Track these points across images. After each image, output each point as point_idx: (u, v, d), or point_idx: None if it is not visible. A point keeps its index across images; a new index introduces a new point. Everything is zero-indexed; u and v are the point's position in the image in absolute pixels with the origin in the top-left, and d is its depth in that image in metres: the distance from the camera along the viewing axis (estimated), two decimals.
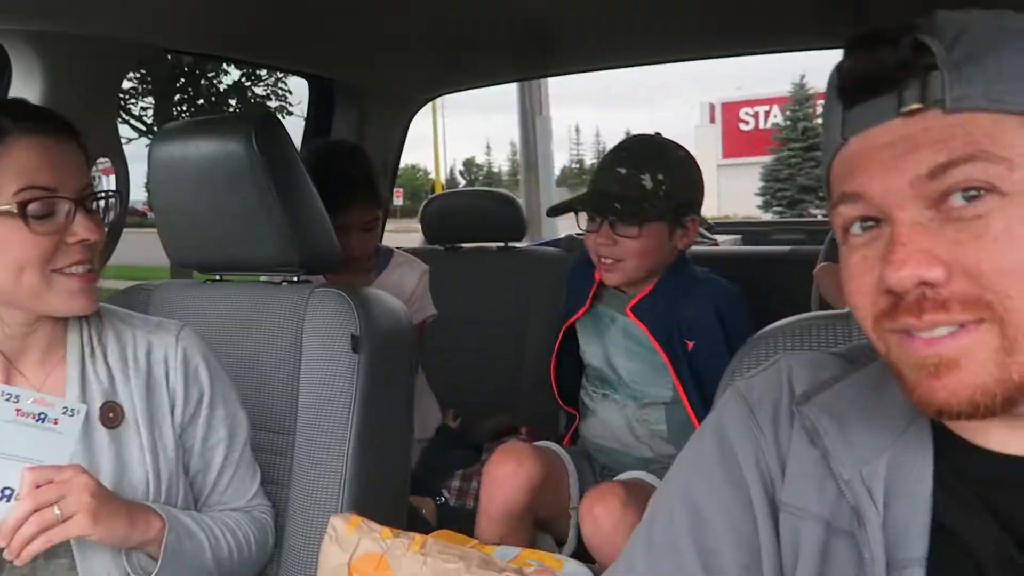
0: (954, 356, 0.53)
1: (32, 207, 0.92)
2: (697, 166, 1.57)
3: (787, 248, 2.14)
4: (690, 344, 1.51)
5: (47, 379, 1.02)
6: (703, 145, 31.40)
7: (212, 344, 1.16)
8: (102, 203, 1.02)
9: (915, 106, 0.54)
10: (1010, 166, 0.52)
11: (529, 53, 2.19)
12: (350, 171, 1.75)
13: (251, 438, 1.20)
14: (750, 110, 30.18)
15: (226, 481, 1.12)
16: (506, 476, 1.48)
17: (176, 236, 1.38)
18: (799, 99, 25.17)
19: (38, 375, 1.02)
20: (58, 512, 0.86)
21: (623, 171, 1.50)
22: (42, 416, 0.86)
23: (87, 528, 0.89)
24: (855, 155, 0.58)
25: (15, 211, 0.91)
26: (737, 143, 30.26)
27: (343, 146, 1.90)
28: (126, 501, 0.97)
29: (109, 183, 1.73)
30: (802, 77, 25.19)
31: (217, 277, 1.44)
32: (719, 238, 4.17)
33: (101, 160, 1.65)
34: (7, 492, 0.85)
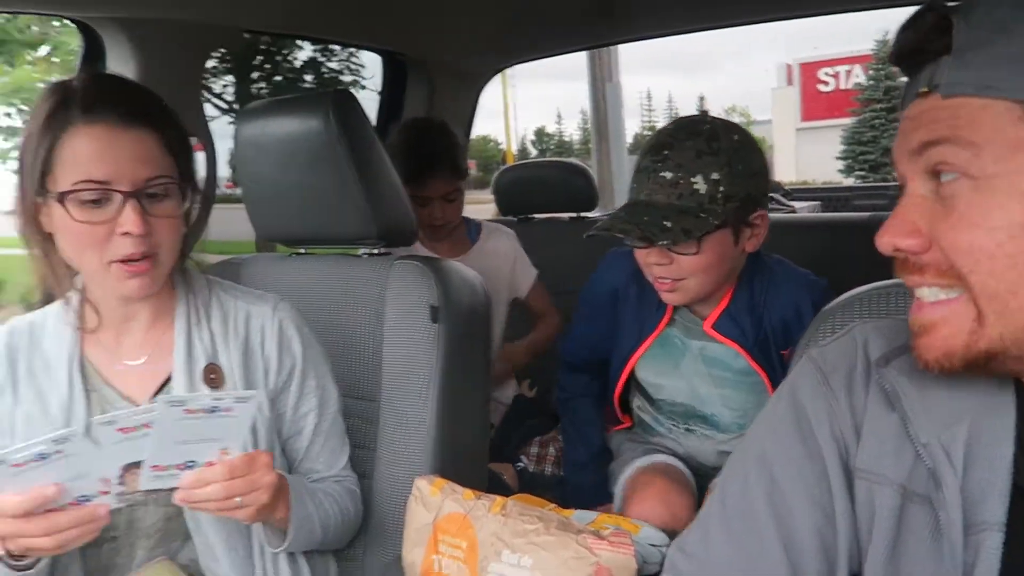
0: (932, 320, 0.60)
1: (79, 197, 0.95)
2: (758, 149, 1.29)
3: (867, 215, 2.06)
4: (785, 353, 1.32)
5: (159, 341, 1.09)
6: (780, 108, 30.31)
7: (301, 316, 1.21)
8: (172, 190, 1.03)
9: (923, 89, 0.60)
10: (977, 151, 0.55)
11: (598, 20, 2.17)
12: (430, 144, 1.84)
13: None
14: (830, 70, 28.89)
15: (316, 449, 1.17)
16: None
17: (262, 211, 1.44)
18: (882, 57, 23.95)
19: (149, 337, 1.10)
20: (239, 500, 0.93)
21: (668, 176, 1.21)
22: (214, 408, 0.90)
23: (251, 519, 0.97)
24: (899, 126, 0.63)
25: (58, 200, 0.95)
26: (816, 105, 29.07)
27: (425, 121, 1.97)
28: (283, 485, 1.02)
29: (202, 162, 1.82)
30: (885, 34, 23.90)
31: (302, 250, 1.49)
32: (796, 204, 4.05)
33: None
34: (189, 464, 0.92)
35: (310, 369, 1.16)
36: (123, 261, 0.98)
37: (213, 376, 1.08)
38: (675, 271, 1.25)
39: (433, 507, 1.03)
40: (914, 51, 0.61)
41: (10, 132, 11.36)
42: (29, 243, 1.03)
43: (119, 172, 0.95)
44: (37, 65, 10.80)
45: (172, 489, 0.92)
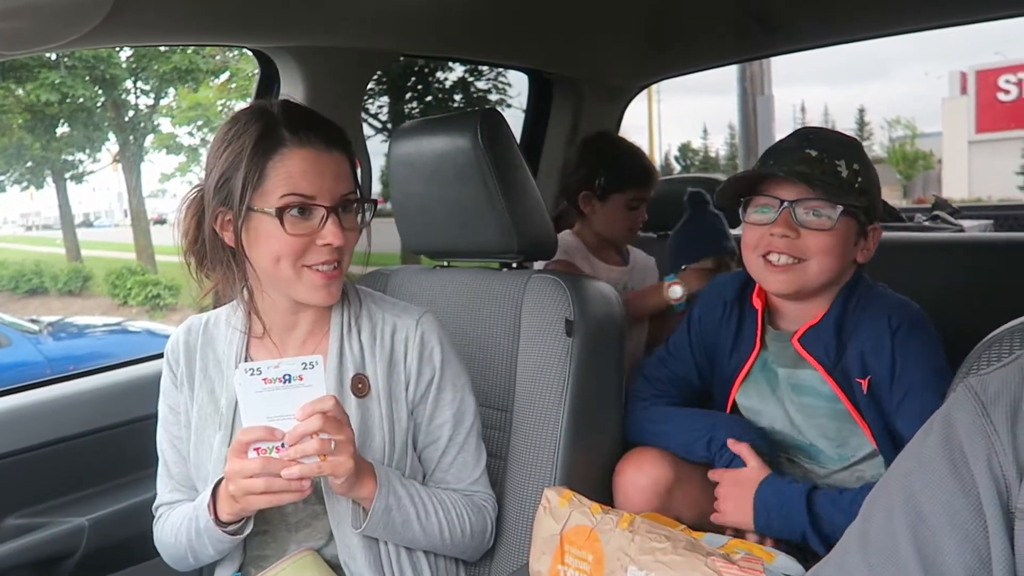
0: None
1: (290, 212, 1.05)
2: (875, 173, 1.32)
3: None
4: (862, 382, 1.25)
5: (316, 348, 1.18)
6: (952, 119, 28.05)
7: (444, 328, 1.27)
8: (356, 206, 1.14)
9: None
10: None
11: (750, 33, 2.11)
12: (644, 156, 2.02)
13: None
14: (1012, 77, 26.43)
15: (448, 461, 1.20)
16: (630, 483, 1.31)
17: (410, 225, 1.53)
18: None
19: (306, 346, 1.19)
20: (333, 445, 1.00)
21: (814, 153, 1.24)
22: (287, 377, 0.98)
23: (347, 468, 1.02)
24: None
25: (274, 214, 1.05)
26: (994, 115, 26.65)
27: (625, 139, 2.11)
28: (365, 465, 1.08)
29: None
30: None
31: (444, 263, 1.56)
32: (965, 224, 3.74)
33: None
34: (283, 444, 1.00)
35: (447, 382, 1.20)
36: (318, 270, 1.09)
37: (360, 386, 1.15)
38: (799, 248, 1.23)
39: (561, 518, 1.04)
40: None
41: (190, 149, 12.60)
42: (211, 255, 1.13)
43: (323, 188, 1.07)
44: (216, 90, 11.90)
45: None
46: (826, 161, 1.23)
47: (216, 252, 1.13)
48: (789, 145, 1.28)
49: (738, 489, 1.27)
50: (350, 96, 1.82)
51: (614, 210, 1.94)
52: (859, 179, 1.25)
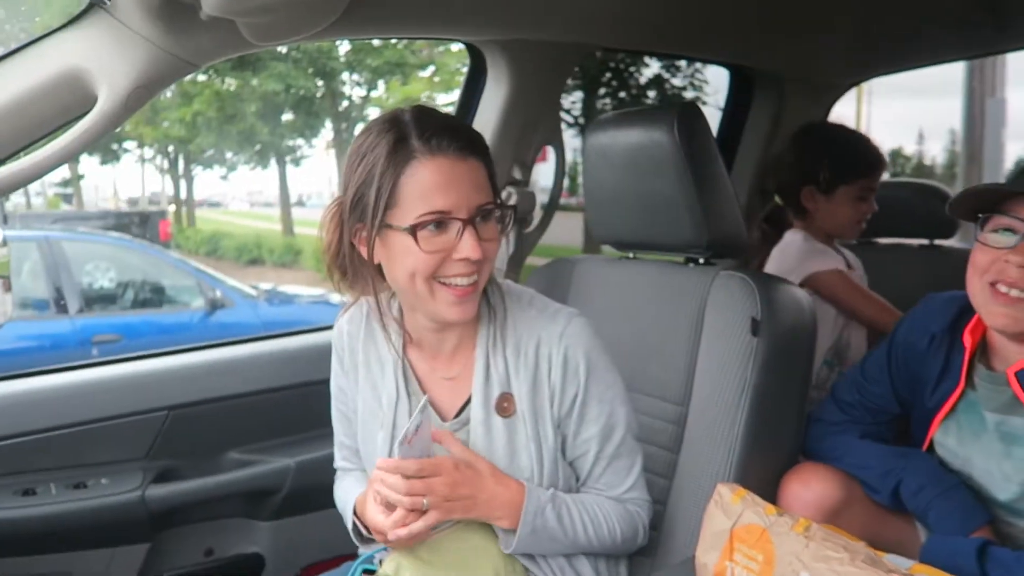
0: None
1: (425, 228, 1.02)
2: None
3: None
4: None
5: (465, 361, 1.17)
6: None
7: (621, 313, 1.29)
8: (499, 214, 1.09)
9: None
10: None
11: (979, 25, 1.93)
12: (867, 140, 1.91)
13: (645, 405, 1.30)
14: None
15: (598, 473, 1.18)
16: (794, 497, 1.25)
17: (600, 215, 1.56)
18: None
19: (457, 356, 1.18)
20: (424, 502, 1.03)
21: None
22: (417, 426, 1.03)
23: (439, 519, 1.05)
24: None
25: (408, 232, 1.02)
26: None
27: (842, 125, 2.04)
28: (490, 487, 1.09)
29: (540, 172, 2.02)
30: None
31: (630, 255, 1.58)
32: None
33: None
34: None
35: (593, 396, 1.14)
36: (452, 285, 1.05)
37: (506, 405, 1.14)
38: None
39: (733, 515, 1.04)
40: None
41: None
42: (351, 269, 1.13)
43: (459, 201, 1.02)
44: (423, 82, 12.62)
45: None
46: None
47: (356, 267, 1.12)
48: None
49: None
50: (551, 89, 1.88)
51: (842, 203, 1.83)
52: None
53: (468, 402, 1.15)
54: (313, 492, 1.74)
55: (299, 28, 1.22)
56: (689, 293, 1.39)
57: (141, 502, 1.63)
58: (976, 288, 1.16)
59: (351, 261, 1.11)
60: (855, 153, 1.83)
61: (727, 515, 1.04)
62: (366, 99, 14.05)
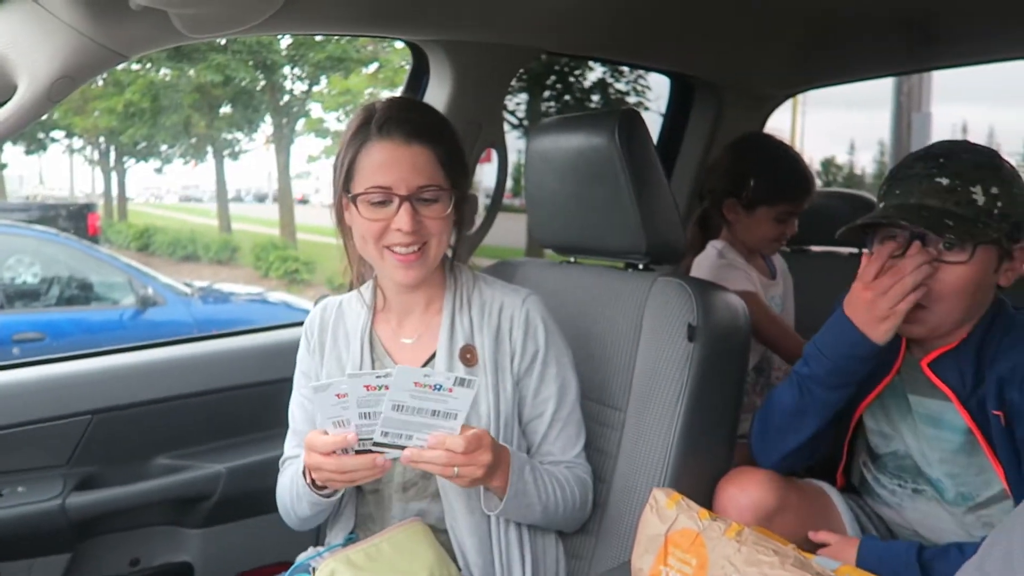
0: None
1: (368, 200, 1.17)
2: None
3: None
4: (1000, 415, 1.16)
5: (430, 323, 1.29)
6: None
7: (560, 319, 1.31)
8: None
9: None
10: None
11: (909, 43, 2.00)
12: (803, 164, 1.88)
13: (587, 410, 1.32)
14: None
15: (554, 434, 1.27)
16: (729, 501, 1.27)
17: (541, 219, 1.56)
18: None
19: (423, 320, 1.29)
20: (456, 471, 1.06)
21: (945, 182, 1.14)
22: (438, 386, 1.03)
23: (465, 486, 1.12)
24: None
25: (352, 200, 1.18)
26: None
27: (782, 142, 1.97)
28: (501, 459, 1.13)
29: (485, 172, 2.03)
30: None
31: (571, 259, 1.59)
32: None
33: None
34: (408, 436, 1.06)
35: (552, 358, 1.26)
36: (395, 252, 1.19)
37: (468, 355, 1.24)
38: (932, 290, 1.14)
39: (667, 519, 1.05)
40: None
41: (335, 134, 13.32)
42: (338, 234, 1.28)
43: (399, 180, 1.17)
44: (366, 78, 12.48)
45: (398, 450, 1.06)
46: (959, 190, 1.14)
47: (342, 234, 1.27)
48: (917, 172, 1.18)
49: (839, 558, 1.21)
50: (494, 91, 1.88)
51: (761, 222, 1.83)
52: (998, 203, 1.14)
53: (432, 356, 1.26)
54: (246, 498, 1.70)
55: (234, 21, 1.19)
56: (628, 299, 1.40)
57: (61, 511, 1.56)
58: None
59: (341, 227, 1.27)
60: (782, 176, 1.82)
61: (662, 520, 1.05)
62: (307, 94, 13.81)
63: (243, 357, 1.84)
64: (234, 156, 15.83)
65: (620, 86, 11.16)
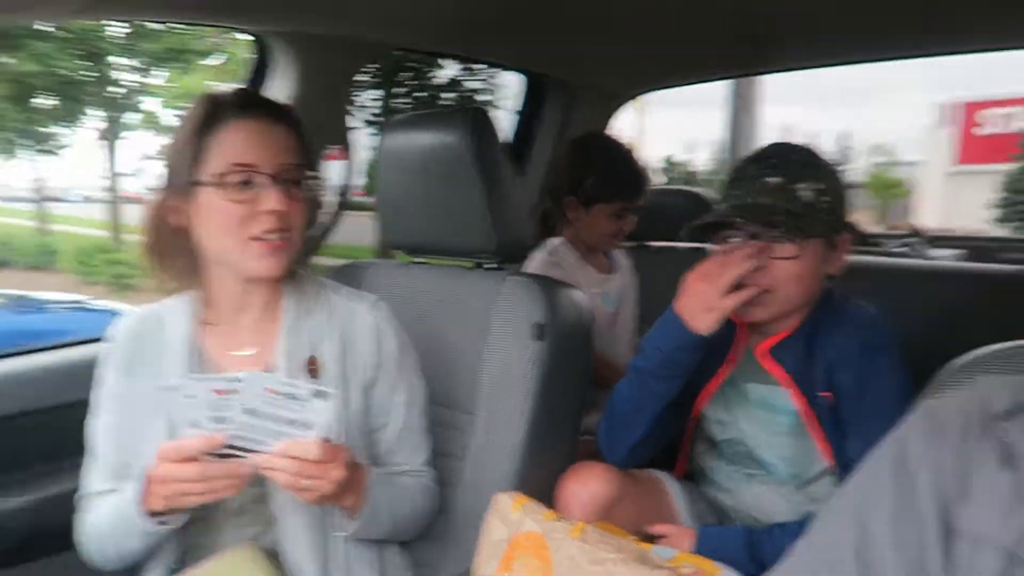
0: None
1: (231, 179, 1.06)
2: (842, 180, 1.31)
3: (1013, 268, 1.90)
4: (828, 396, 1.25)
5: (268, 333, 1.18)
6: (932, 150, 28.44)
7: (410, 320, 1.27)
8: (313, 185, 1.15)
9: None
10: None
11: (743, 49, 2.12)
12: (638, 162, 1.93)
13: (434, 413, 1.29)
14: (994, 112, 26.86)
15: (402, 443, 1.23)
16: (571, 496, 1.30)
17: (390, 218, 1.52)
18: None
19: (258, 330, 1.18)
20: (305, 483, 0.99)
21: (774, 180, 1.23)
22: (292, 395, 0.97)
23: (315, 502, 1.04)
24: None
25: (216, 181, 1.06)
26: (975, 148, 27.06)
27: (618, 141, 2.01)
28: (356, 479, 1.07)
29: (332, 169, 1.95)
30: None
31: (420, 259, 1.56)
32: (936, 252, 3.80)
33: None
34: (261, 441, 0.98)
35: (403, 365, 1.23)
36: (262, 239, 1.08)
37: (312, 367, 1.16)
38: (768, 279, 1.23)
39: (512, 524, 1.04)
40: None
41: (172, 130, 12.48)
42: (170, 246, 1.13)
43: (265, 158, 1.07)
44: (207, 72, 11.79)
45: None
46: (788, 188, 1.23)
47: (173, 241, 1.13)
48: (751, 173, 1.26)
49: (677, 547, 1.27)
50: (340, 85, 1.80)
51: (598, 219, 1.88)
52: (823, 198, 1.23)
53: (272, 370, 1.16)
54: (37, 538, 1.46)
55: (44, 4, 1.07)
56: (477, 299, 1.39)
57: None
58: None
59: (168, 237, 1.13)
60: (618, 175, 1.87)
61: (506, 524, 1.04)
62: (141, 87, 12.85)
63: (41, 377, 1.56)
64: (54, 152, 14.47)
65: (473, 84, 11.21)
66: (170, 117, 12.89)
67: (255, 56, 1.75)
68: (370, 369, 1.20)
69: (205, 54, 12.00)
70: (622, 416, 1.34)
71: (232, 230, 1.08)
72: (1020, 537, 0.58)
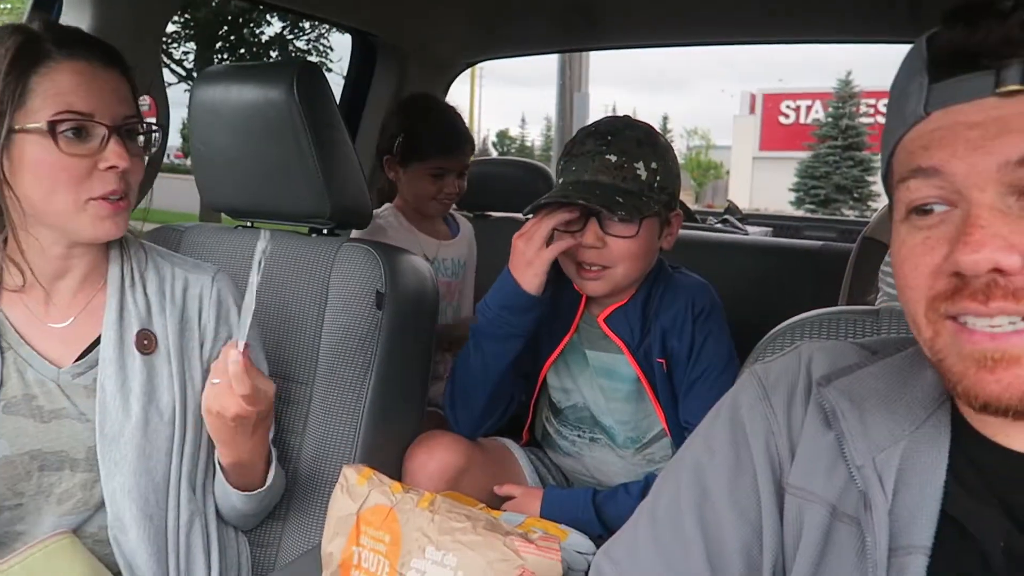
0: (1017, 353, 0.52)
1: (64, 128, 0.93)
2: (676, 157, 1.35)
3: (819, 243, 2.11)
4: (663, 363, 1.31)
5: (87, 304, 1.06)
6: (740, 135, 30.94)
7: (237, 290, 1.17)
8: (142, 137, 1.04)
9: (1014, 87, 0.51)
10: None
11: (571, 24, 2.17)
12: (456, 118, 1.90)
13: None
14: (792, 103, 29.60)
15: None
16: (419, 467, 1.30)
17: (211, 179, 1.39)
18: (843, 96, 24.66)
19: (77, 299, 1.06)
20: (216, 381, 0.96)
21: (613, 159, 1.24)
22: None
23: (253, 423, 1.00)
24: (937, 130, 0.55)
25: (46, 130, 0.92)
26: (776, 136, 29.75)
27: (440, 100, 2.00)
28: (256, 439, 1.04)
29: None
30: (848, 73, 24.67)
31: (248, 224, 1.45)
32: (750, 229, 4.12)
33: (142, 100, 1.66)
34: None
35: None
36: (104, 199, 0.97)
37: (146, 342, 1.06)
38: (606, 256, 1.26)
39: (359, 497, 1.00)
40: (1003, 42, 0.52)
41: None
42: None
43: (102, 107, 0.95)
44: None
45: None
46: (626, 166, 1.24)
47: None
48: (589, 148, 1.27)
49: (525, 509, 1.30)
50: (147, 33, 1.62)
51: (416, 179, 1.83)
52: (658, 177, 1.26)
53: (95, 344, 1.04)
54: None
55: None
56: (312, 265, 1.31)
57: None
58: (568, 269, 1.32)
59: None
60: (433, 132, 1.83)
61: (353, 498, 1.00)
62: None
63: None
64: None
65: (301, 44, 10.72)
66: None
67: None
68: (212, 345, 1.11)
69: None
70: (464, 382, 1.33)
71: (67, 188, 0.95)
72: (840, 494, 0.62)
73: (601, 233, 1.25)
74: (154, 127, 1.05)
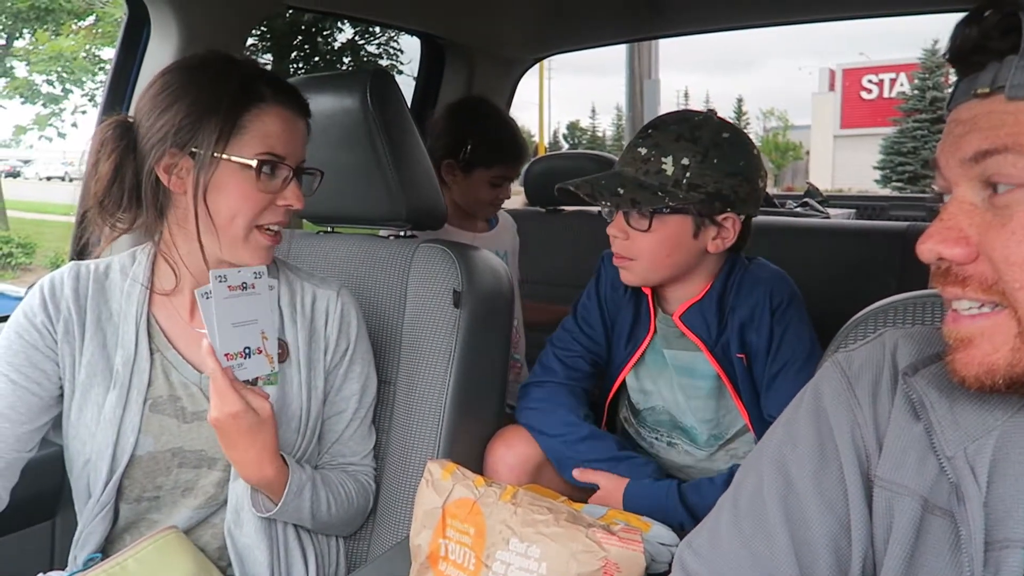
0: (969, 335, 0.57)
1: (264, 168, 1.05)
2: (750, 153, 1.25)
3: (904, 224, 2.02)
4: (742, 356, 1.28)
5: None
6: (820, 114, 29.86)
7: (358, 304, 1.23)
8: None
9: (983, 90, 0.56)
10: None
11: (642, 14, 2.14)
12: (519, 131, 1.93)
13: None
14: (874, 77, 28.37)
15: (350, 433, 1.20)
16: (499, 460, 1.31)
17: None
18: (929, 67, 23.48)
19: None
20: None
21: (643, 151, 1.22)
22: (244, 285, 1.00)
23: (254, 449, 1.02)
24: (945, 128, 0.60)
25: (253, 166, 1.04)
26: (858, 112, 28.57)
27: (497, 107, 2.01)
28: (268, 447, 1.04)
29: None
30: (934, 43, 23.47)
31: (328, 229, 1.50)
32: (831, 212, 3.99)
33: None
34: (247, 350, 1.01)
35: (358, 355, 1.20)
36: (267, 229, 1.08)
37: (280, 352, 1.12)
38: (628, 248, 1.26)
39: (443, 491, 1.03)
40: (976, 48, 0.57)
41: (50, 99, 11.57)
42: (137, 200, 1.06)
43: (292, 152, 1.08)
44: (80, 34, 10.98)
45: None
46: (652, 159, 1.21)
47: (148, 196, 1.05)
48: (632, 141, 1.26)
49: (607, 503, 1.28)
50: (228, 49, 1.69)
51: (477, 185, 1.85)
52: (687, 174, 1.19)
53: None
54: None
55: None
56: (391, 267, 1.35)
57: None
58: (610, 256, 1.33)
59: (138, 191, 1.05)
60: (499, 141, 1.85)
61: (438, 492, 1.03)
62: (6, 49, 11.85)
63: None
64: None
65: (372, 48, 10.93)
66: (41, 82, 11.95)
67: (128, 16, 1.61)
68: (332, 355, 1.18)
69: (76, 14, 11.17)
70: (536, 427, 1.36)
71: (247, 215, 1.05)
72: (932, 486, 0.61)
73: (624, 224, 1.25)
74: (317, 170, 1.16)
